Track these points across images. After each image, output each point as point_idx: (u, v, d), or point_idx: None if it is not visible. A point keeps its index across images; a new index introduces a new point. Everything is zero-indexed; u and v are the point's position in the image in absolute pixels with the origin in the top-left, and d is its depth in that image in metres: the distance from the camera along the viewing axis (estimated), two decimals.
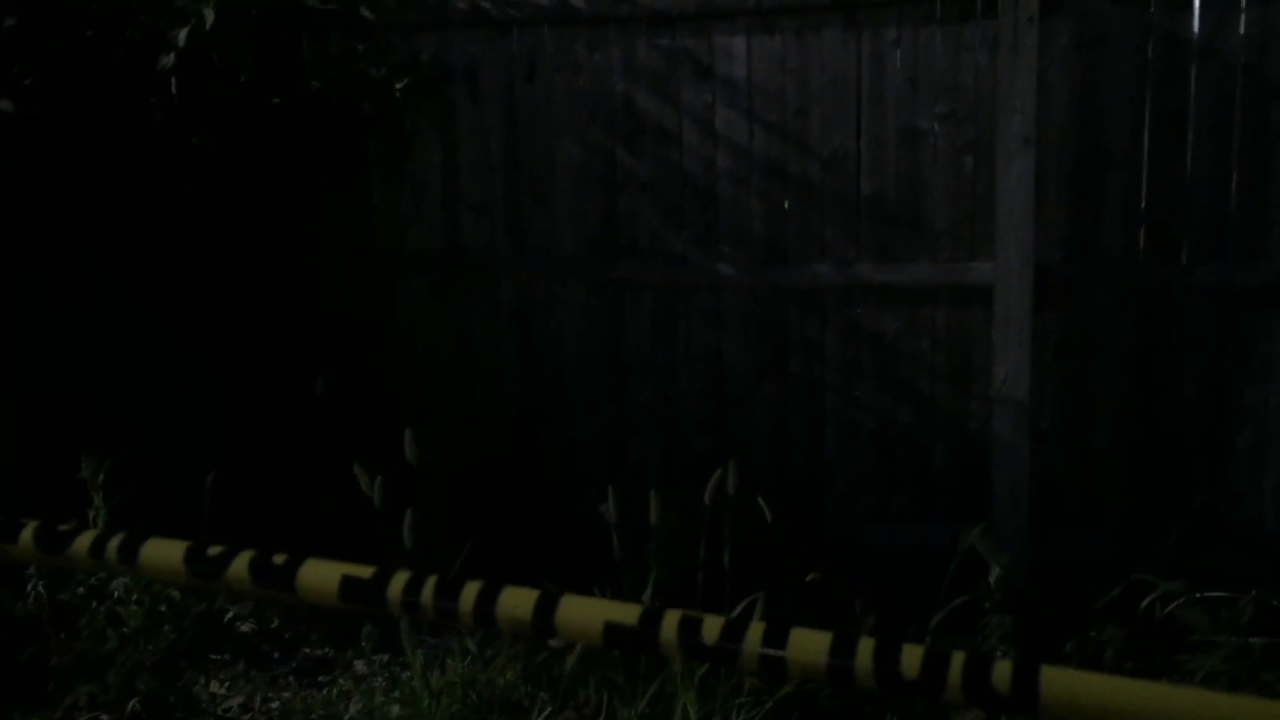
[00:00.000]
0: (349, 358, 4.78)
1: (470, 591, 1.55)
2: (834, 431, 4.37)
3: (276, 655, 3.97)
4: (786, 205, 4.30)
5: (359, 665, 3.87)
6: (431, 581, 1.58)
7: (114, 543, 1.73)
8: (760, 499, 3.49)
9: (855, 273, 4.22)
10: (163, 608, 3.93)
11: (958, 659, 1.29)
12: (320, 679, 3.81)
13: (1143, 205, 3.96)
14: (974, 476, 4.17)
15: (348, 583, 1.63)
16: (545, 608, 1.51)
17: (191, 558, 1.71)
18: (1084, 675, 1.26)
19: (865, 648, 1.35)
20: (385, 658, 3.84)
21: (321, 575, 1.65)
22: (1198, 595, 3.48)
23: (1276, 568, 3.82)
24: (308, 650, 3.99)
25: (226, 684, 3.75)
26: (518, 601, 1.53)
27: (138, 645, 3.78)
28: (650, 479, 4.42)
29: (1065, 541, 4.13)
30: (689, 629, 1.45)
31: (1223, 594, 3.49)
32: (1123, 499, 4.11)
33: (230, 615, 4.06)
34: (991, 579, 3.66)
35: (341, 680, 3.79)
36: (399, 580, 1.60)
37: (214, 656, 3.91)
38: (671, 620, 1.46)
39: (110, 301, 4.47)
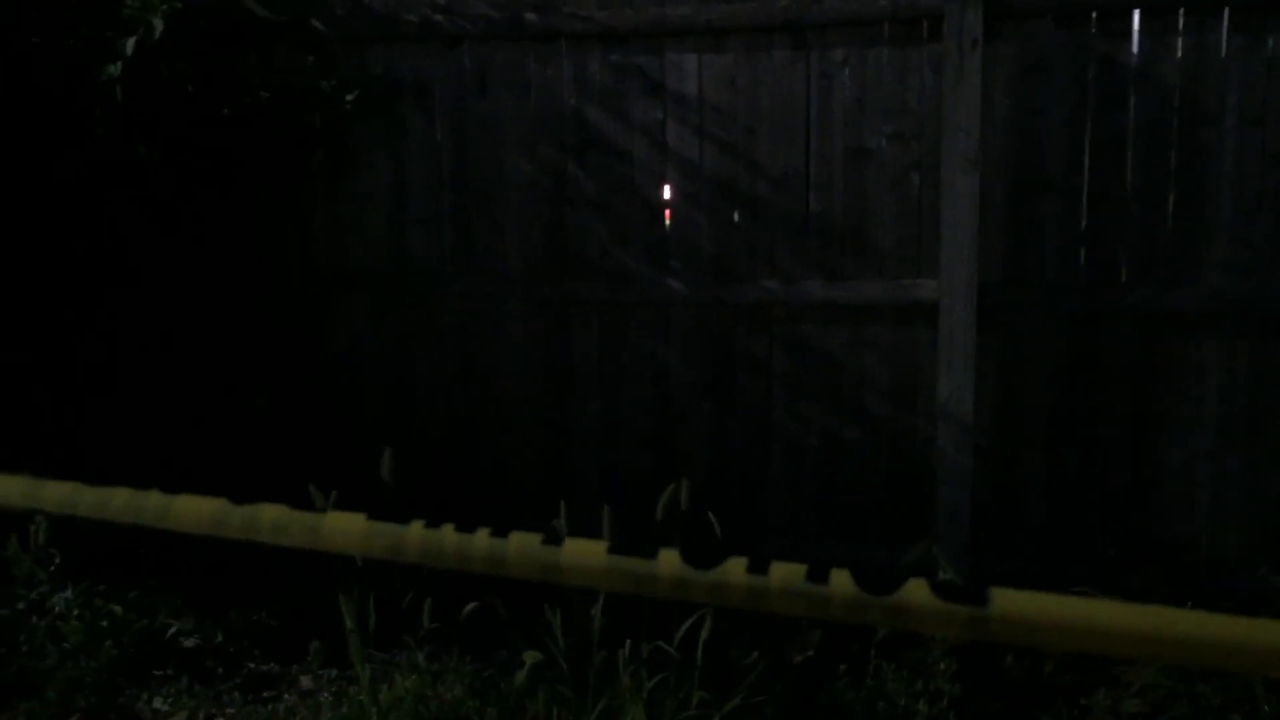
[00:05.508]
0: (292, 374, 4.75)
1: (483, 533, 1.64)
2: (780, 448, 4.42)
3: (220, 671, 3.92)
4: (736, 218, 4.34)
5: (305, 681, 3.83)
6: (449, 527, 1.68)
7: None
8: (710, 515, 3.52)
9: (803, 290, 4.27)
10: (104, 623, 3.88)
11: (920, 581, 1.41)
12: (265, 695, 3.77)
13: (1082, 227, 4.05)
14: (917, 493, 4.24)
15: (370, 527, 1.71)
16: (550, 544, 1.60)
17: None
18: (1026, 593, 1.39)
19: (839, 574, 1.44)
20: (333, 673, 3.81)
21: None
22: None
23: (1208, 582, 3.93)
24: (252, 666, 3.95)
25: (169, 700, 3.69)
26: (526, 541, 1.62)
27: (78, 662, 3.72)
28: (596, 495, 4.44)
29: (1001, 560, 4.20)
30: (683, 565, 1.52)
31: None
32: (1058, 517, 4.19)
33: (173, 630, 4.01)
34: None
35: (287, 696, 3.76)
36: (416, 527, 1.69)
37: (156, 672, 3.86)
38: (667, 555, 1.52)
39: (46, 314, 4.40)
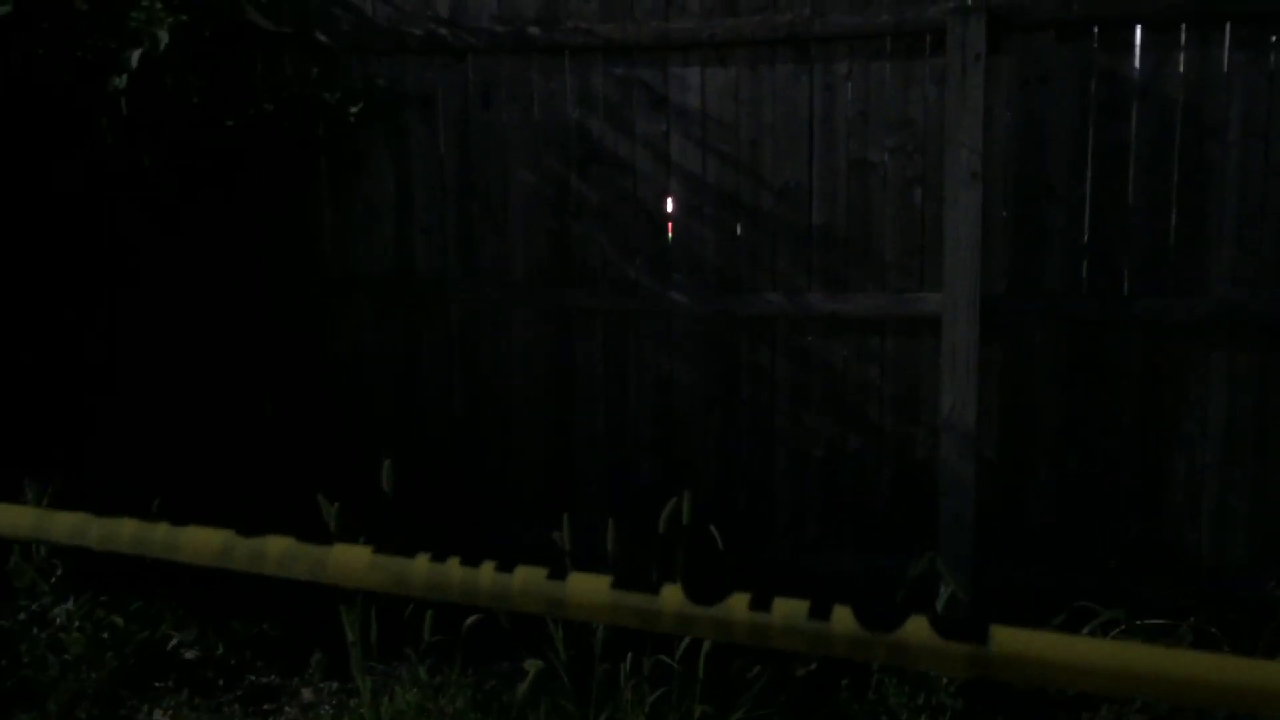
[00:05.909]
0: (295, 376, 4.74)
1: (488, 566, 1.63)
2: (783, 458, 4.41)
3: (221, 683, 3.92)
4: (739, 230, 4.34)
5: (306, 693, 3.83)
6: (455, 561, 1.66)
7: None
8: (712, 527, 3.51)
9: (806, 302, 4.27)
10: (105, 634, 3.87)
11: (921, 619, 1.42)
12: (265, 707, 3.77)
13: (1085, 239, 4.05)
14: (920, 504, 4.23)
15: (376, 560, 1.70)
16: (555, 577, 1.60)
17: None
18: (1027, 631, 1.40)
19: (840, 611, 1.45)
20: (334, 685, 3.81)
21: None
22: (1137, 623, 3.55)
23: (1213, 594, 3.92)
24: (253, 677, 3.94)
25: (170, 712, 3.69)
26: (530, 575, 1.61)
27: (79, 673, 3.72)
28: (599, 500, 4.46)
29: (1005, 570, 4.19)
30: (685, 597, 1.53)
31: (1162, 621, 3.57)
32: (1062, 527, 4.18)
33: (174, 642, 4.01)
34: (939, 606, 3.71)
35: (288, 708, 3.75)
36: (422, 561, 1.67)
37: (157, 684, 3.86)
38: (670, 591, 1.53)
39: (47, 314, 4.40)
